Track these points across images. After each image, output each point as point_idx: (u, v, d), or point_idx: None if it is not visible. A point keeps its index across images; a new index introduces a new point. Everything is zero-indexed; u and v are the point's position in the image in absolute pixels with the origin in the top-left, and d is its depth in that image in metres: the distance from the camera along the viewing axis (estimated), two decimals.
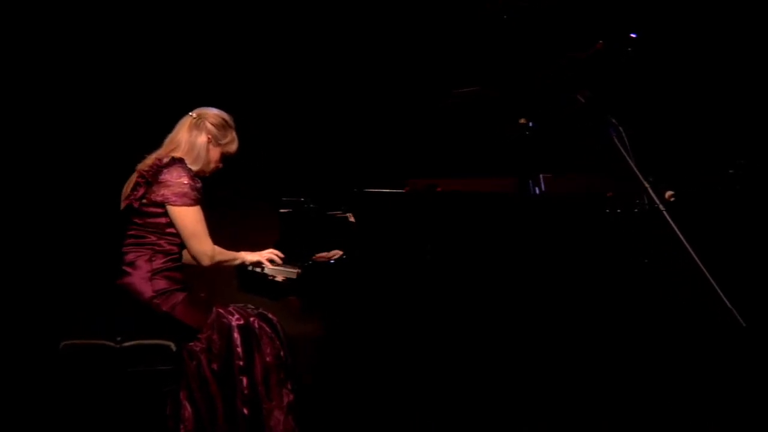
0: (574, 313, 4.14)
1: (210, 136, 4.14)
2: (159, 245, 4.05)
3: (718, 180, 4.28)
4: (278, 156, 5.57)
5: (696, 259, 3.71)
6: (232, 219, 5.25)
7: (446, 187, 4.47)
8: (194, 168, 4.11)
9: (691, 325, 3.97)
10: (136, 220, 4.07)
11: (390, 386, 4.38)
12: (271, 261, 4.27)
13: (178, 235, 4.06)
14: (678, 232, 3.76)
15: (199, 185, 4.08)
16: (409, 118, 4.88)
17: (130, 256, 4.06)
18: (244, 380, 4.02)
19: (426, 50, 5.41)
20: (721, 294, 3.68)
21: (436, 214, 4.27)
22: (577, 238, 4.16)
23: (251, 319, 4.09)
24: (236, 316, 4.07)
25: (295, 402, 4.08)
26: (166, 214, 4.03)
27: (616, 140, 3.92)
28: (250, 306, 4.19)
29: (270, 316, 4.17)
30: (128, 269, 4.04)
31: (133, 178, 4.11)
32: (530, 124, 4.24)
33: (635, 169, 3.88)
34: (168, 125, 4.19)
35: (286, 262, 4.29)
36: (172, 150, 4.12)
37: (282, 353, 4.10)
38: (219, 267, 4.19)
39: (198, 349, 4.01)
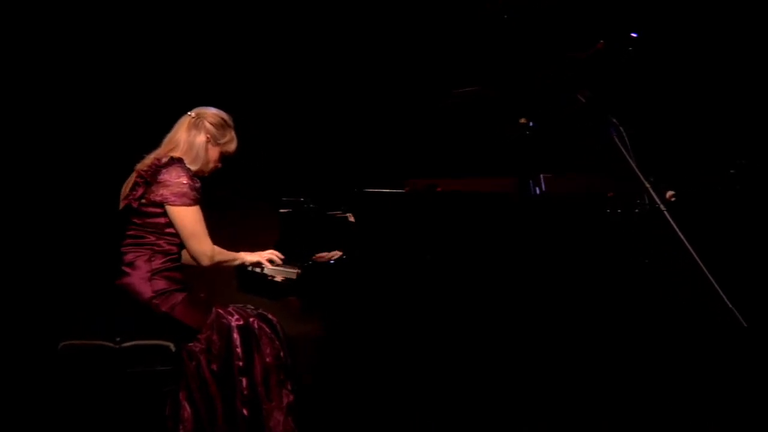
0: (575, 314, 4.13)
1: (209, 136, 4.14)
2: (158, 245, 4.05)
3: (718, 180, 4.28)
4: (278, 156, 5.56)
5: (697, 259, 3.71)
6: (231, 219, 5.25)
7: (446, 187, 4.46)
8: (193, 168, 4.10)
9: (692, 325, 3.97)
10: (135, 220, 4.07)
11: (390, 386, 4.37)
12: (271, 261, 4.27)
13: (177, 235, 4.05)
14: (679, 232, 3.75)
15: (198, 185, 4.07)
16: (409, 118, 4.88)
17: (129, 257, 4.06)
18: (244, 381, 4.01)
19: (426, 50, 5.41)
20: (722, 294, 3.68)
21: (436, 214, 4.27)
22: (577, 238, 4.16)
23: (251, 319, 4.09)
24: (236, 316, 4.07)
25: (295, 402, 4.08)
26: (165, 214, 4.03)
27: (616, 140, 3.92)
28: (249, 306, 4.19)
29: (270, 316, 4.16)
30: (127, 269, 4.04)
31: (132, 177, 4.10)
32: (530, 123, 4.24)
33: (636, 169, 3.87)
34: (167, 125, 4.19)
35: (286, 262, 4.29)
36: (171, 150, 4.12)
37: (282, 354, 4.10)
38: (218, 267, 4.19)
39: (197, 349, 4.00)
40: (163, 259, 4.04)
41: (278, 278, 4.26)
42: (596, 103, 4.02)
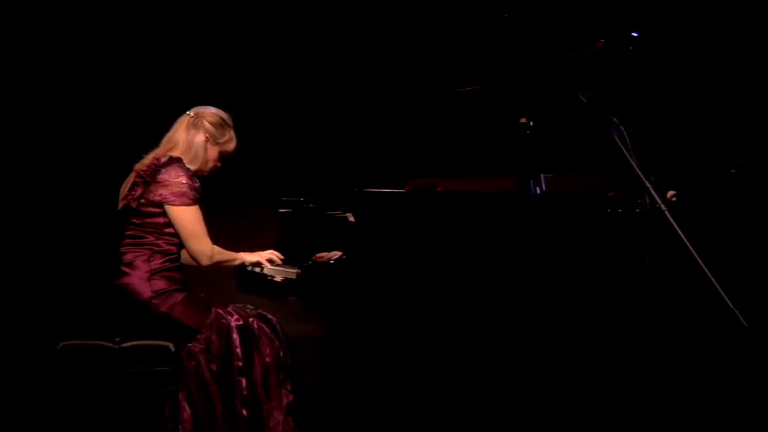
0: (576, 314, 4.13)
1: (208, 135, 4.13)
2: (157, 245, 4.04)
3: (720, 180, 4.27)
4: (278, 156, 5.56)
5: (698, 259, 3.70)
6: (231, 219, 5.25)
7: (446, 187, 4.46)
8: (192, 167, 4.10)
9: (693, 325, 3.96)
10: (134, 220, 4.06)
11: (390, 386, 4.37)
12: (271, 261, 4.26)
13: (176, 235, 4.05)
14: (680, 233, 3.75)
15: (197, 185, 4.06)
16: (409, 117, 4.87)
17: (128, 257, 4.05)
18: (244, 381, 4.01)
19: (426, 50, 5.41)
20: (724, 295, 3.67)
21: (436, 215, 4.26)
22: (578, 238, 4.15)
23: (250, 319, 4.08)
24: (235, 316, 4.06)
25: (295, 403, 4.08)
26: (164, 214, 4.02)
27: (617, 140, 3.91)
28: (249, 306, 4.19)
29: (269, 316, 4.16)
30: (126, 269, 4.03)
31: (131, 177, 4.10)
32: (531, 123, 4.23)
33: (637, 168, 3.87)
34: (166, 124, 4.18)
35: (286, 262, 4.28)
36: (170, 149, 4.11)
37: (281, 354, 4.09)
38: (218, 267, 4.18)
39: (197, 349, 4.00)
40: (163, 259, 4.03)
41: (278, 278, 4.25)
42: (597, 103, 4.02)
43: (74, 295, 5.11)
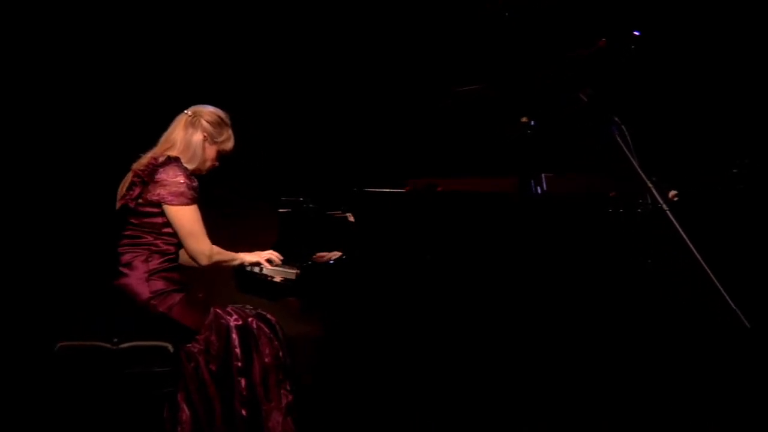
0: (577, 314, 4.12)
1: (206, 134, 4.12)
2: (155, 245, 4.03)
3: (721, 179, 4.27)
4: (277, 155, 5.55)
5: (700, 259, 3.70)
6: (230, 219, 5.24)
7: (447, 187, 4.45)
8: (190, 167, 4.08)
9: (694, 326, 3.96)
10: (132, 220, 4.05)
11: (390, 386, 4.36)
12: (270, 261, 4.25)
13: (174, 235, 4.03)
14: (681, 233, 3.74)
15: (195, 184, 4.05)
16: (409, 117, 4.87)
17: (126, 257, 4.04)
18: (243, 381, 4.00)
19: (426, 50, 5.40)
20: (726, 295, 3.67)
21: (436, 214, 4.26)
22: (579, 238, 4.15)
23: (249, 319, 4.07)
24: (234, 316, 4.05)
25: (294, 403, 4.07)
26: (162, 213, 4.01)
27: (618, 139, 3.90)
28: (248, 306, 4.18)
29: (268, 316, 4.15)
30: (125, 270, 4.02)
31: (129, 177, 4.09)
32: (532, 123, 4.22)
33: (638, 168, 3.86)
34: (163, 123, 4.17)
35: (285, 262, 4.27)
36: (168, 149, 4.10)
37: (281, 354, 4.09)
38: (217, 267, 4.17)
39: (196, 350, 3.99)
40: (161, 260, 4.02)
41: (277, 278, 4.24)
42: (598, 102, 4.01)
43: (72, 296, 5.11)
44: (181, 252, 4.11)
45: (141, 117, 5.05)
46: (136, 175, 4.06)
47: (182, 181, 3.99)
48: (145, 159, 4.08)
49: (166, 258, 4.04)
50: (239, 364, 4.01)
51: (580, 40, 4.24)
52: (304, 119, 5.59)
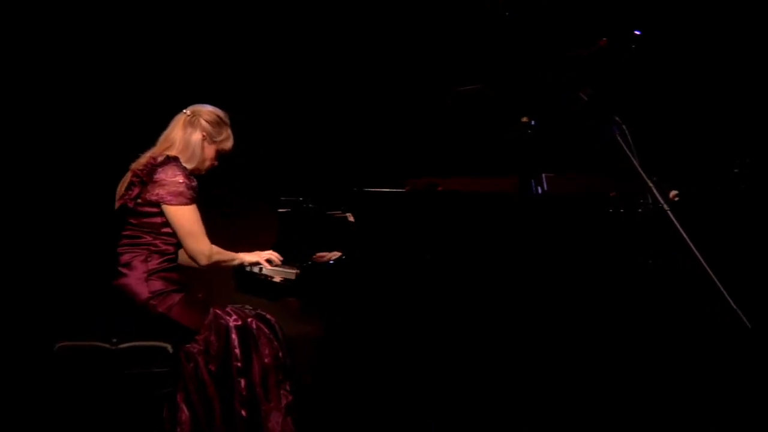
0: (578, 314, 4.12)
1: (205, 134, 4.11)
2: (155, 245, 4.02)
3: (723, 179, 4.27)
4: (277, 155, 5.55)
5: (701, 259, 3.70)
6: (230, 219, 5.24)
7: (447, 187, 4.45)
8: (189, 166, 4.08)
9: (695, 326, 3.95)
10: (131, 220, 4.04)
11: (390, 386, 4.36)
12: (270, 261, 4.24)
13: (173, 234, 4.03)
14: (682, 233, 3.74)
15: (194, 184, 4.05)
16: (410, 117, 4.86)
17: (125, 257, 4.03)
18: (242, 382, 4.00)
19: (426, 49, 5.40)
20: (726, 295, 3.66)
21: (436, 214, 4.26)
22: (579, 238, 4.14)
23: (249, 319, 4.07)
24: (234, 316, 4.05)
25: (294, 403, 4.06)
26: (161, 213, 4.00)
27: (619, 139, 3.90)
28: (247, 307, 4.17)
29: (268, 316, 4.15)
30: (124, 270, 4.01)
31: (127, 177, 4.08)
32: (532, 122, 4.22)
33: (639, 168, 3.86)
34: (162, 123, 4.16)
35: (285, 262, 4.27)
36: (167, 148, 4.09)
37: (280, 354, 4.08)
38: (217, 267, 4.16)
39: (195, 350, 3.98)
40: (160, 260, 4.01)
41: (277, 278, 4.24)
42: (599, 102, 4.01)
43: (72, 296, 5.10)
44: (181, 252, 4.10)
45: (140, 116, 5.04)
46: (134, 174, 4.05)
47: (181, 180, 3.99)
48: (144, 159, 4.07)
49: (165, 258, 4.03)
50: (239, 364, 4.00)
51: (580, 40, 4.23)
52: (303, 119, 5.59)
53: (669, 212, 3.79)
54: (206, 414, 3.95)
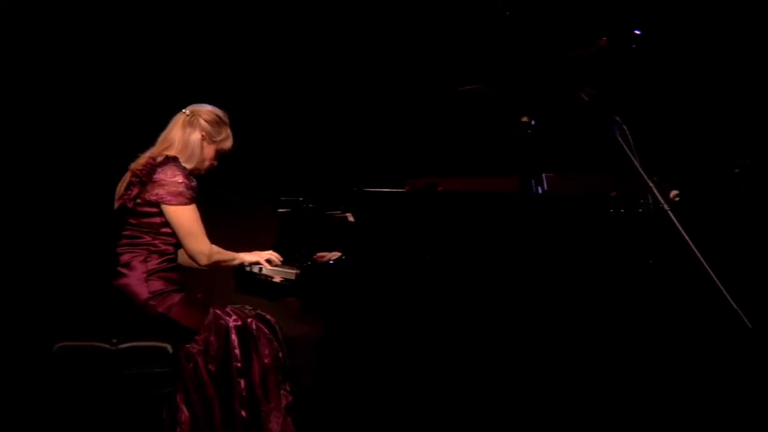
0: (578, 314, 4.11)
1: (204, 134, 4.11)
2: (154, 245, 4.02)
3: (723, 179, 4.26)
4: (277, 155, 5.54)
5: (701, 259, 3.69)
6: (230, 219, 5.24)
7: (447, 187, 4.44)
8: (188, 166, 4.07)
9: (696, 326, 3.95)
10: (131, 220, 4.04)
11: (390, 387, 4.36)
12: (270, 261, 4.24)
13: (173, 234, 4.02)
14: (683, 233, 3.73)
15: (194, 183, 4.04)
16: (410, 117, 4.86)
17: (125, 257, 4.02)
18: (242, 382, 3.99)
19: (426, 49, 5.40)
20: (727, 295, 3.66)
21: (436, 214, 4.26)
22: (580, 238, 4.14)
23: (249, 320, 4.06)
24: (234, 317, 4.04)
25: (294, 404, 4.06)
26: (160, 213, 4.00)
27: (619, 139, 3.90)
28: (247, 307, 4.17)
29: (268, 317, 4.14)
30: (124, 270, 4.01)
31: (127, 177, 4.08)
32: (532, 122, 4.22)
33: (639, 168, 3.85)
34: (161, 123, 4.15)
35: (285, 262, 4.26)
36: (166, 148, 4.08)
37: (280, 354, 4.07)
38: (217, 267, 4.16)
39: (195, 350, 3.98)
40: (160, 260, 4.01)
41: (277, 279, 4.23)
42: (599, 102, 4.01)
43: (71, 296, 5.09)
44: (181, 252, 4.10)
45: (139, 116, 5.04)
46: (134, 174, 4.04)
47: (180, 180, 3.98)
48: (143, 159, 4.06)
49: (164, 258, 4.03)
50: (238, 364, 3.99)
51: (580, 39, 4.23)
52: (303, 119, 5.58)
53: (669, 212, 3.79)
54: (206, 414, 3.95)
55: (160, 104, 4.31)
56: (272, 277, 4.24)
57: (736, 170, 4.25)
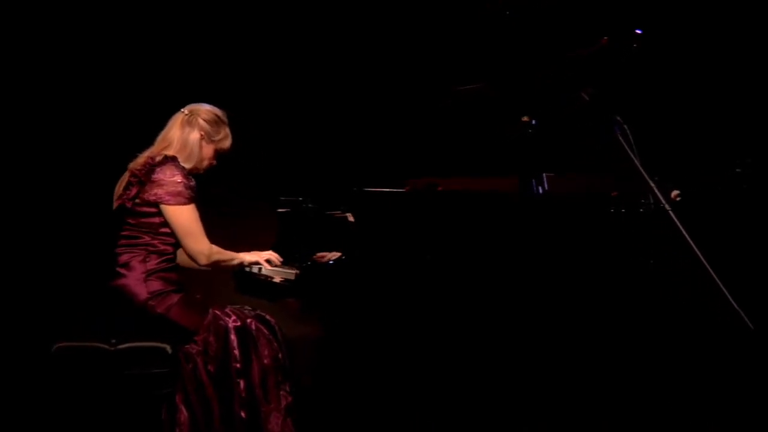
0: (579, 314, 4.11)
1: (203, 133, 4.10)
2: (153, 245, 4.01)
3: (724, 179, 4.26)
4: (277, 155, 5.54)
5: (702, 260, 3.69)
6: (229, 219, 5.23)
7: (447, 187, 4.44)
8: (187, 166, 4.07)
9: (697, 326, 3.95)
10: (130, 221, 4.03)
11: (390, 387, 4.35)
12: (269, 262, 4.23)
13: (172, 234, 4.02)
14: (684, 233, 3.73)
15: (192, 183, 4.03)
16: (410, 117, 4.86)
17: (123, 257, 4.02)
18: (242, 383, 3.98)
19: (426, 49, 5.39)
20: (728, 296, 3.66)
21: (436, 214, 4.25)
22: (580, 238, 4.14)
23: (248, 320, 4.05)
24: (233, 317, 4.03)
25: (294, 404, 4.05)
26: (159, 213, 3.99)
27: (620, 138, 3.89)
28: (247, 307, 4.16)
29: (268, 317, 4.14)
30: (122, 270, 4.00)
31: (125, 177, 4.07)
32: (533, 122, 4.21)
33: (640, 168, 3.85)
34: (160, 123, 4.15)
35: (285, 262, 4.25)
36: (165, 148, 4.08)
37: (280, 355, 4.07)
38: (216, 267, 4.15)
39: (194, 351, 3.97)
40: (158, 260, 4.00)
41: (276, 279, 4.23)
42: (600, 101, 4.00)
43: (70, 297, 5.09)
44: (180, 252, 4.09)
45: (138, 116, 5.03)
46: (132, 174, 4.04)
47: (179, 180, 3.97)
48: (142, 158, 4.06)
49: (163, 258, 4.02)
50: (238, 365, 3.98)
51: (580, 39, 4.23)
52: (303, 119, 5.58)
53: (670, 212, 3.79)
54: (205, 415, 3.94)
55: (158, 104, 4.30)
56: (272, 278, 4.23)
57: (737, 170, 4.25)
